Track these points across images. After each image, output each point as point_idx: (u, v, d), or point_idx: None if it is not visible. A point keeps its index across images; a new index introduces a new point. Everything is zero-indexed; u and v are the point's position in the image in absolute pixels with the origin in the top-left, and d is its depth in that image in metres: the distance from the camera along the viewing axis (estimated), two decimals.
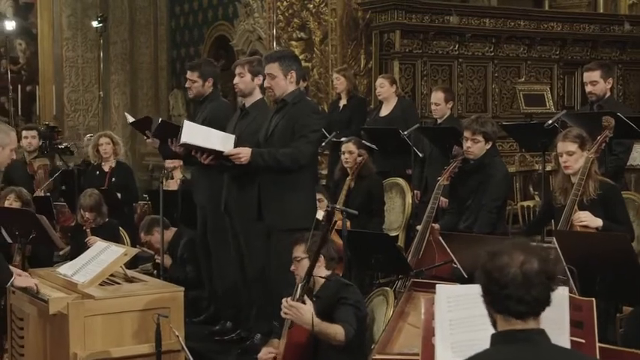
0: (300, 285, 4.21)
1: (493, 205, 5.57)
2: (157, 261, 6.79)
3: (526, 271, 2.43)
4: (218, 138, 5.36)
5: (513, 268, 2.44)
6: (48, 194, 7.93)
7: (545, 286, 2.45)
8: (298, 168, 5.20)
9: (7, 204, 6.60)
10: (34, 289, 4.84)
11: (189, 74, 6.20)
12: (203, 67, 6.20)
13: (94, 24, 13.61)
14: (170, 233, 6.94)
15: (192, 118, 8.71)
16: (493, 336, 2.50)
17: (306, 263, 4.38)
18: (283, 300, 4.15)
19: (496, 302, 2.47)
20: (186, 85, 6.26)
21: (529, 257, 2.45)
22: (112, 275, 5.15)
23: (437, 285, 3.20)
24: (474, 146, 5.61)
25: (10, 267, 4.93)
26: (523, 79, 9.93)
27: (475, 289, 2.56)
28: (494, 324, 2.51)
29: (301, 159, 5.18)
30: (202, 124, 5.82)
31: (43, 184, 7.99)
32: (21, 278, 4.86)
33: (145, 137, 6.10)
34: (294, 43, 9.90)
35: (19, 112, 13.82)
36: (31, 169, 8.02)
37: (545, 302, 2.47)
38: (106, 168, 7.98)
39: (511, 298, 2.43)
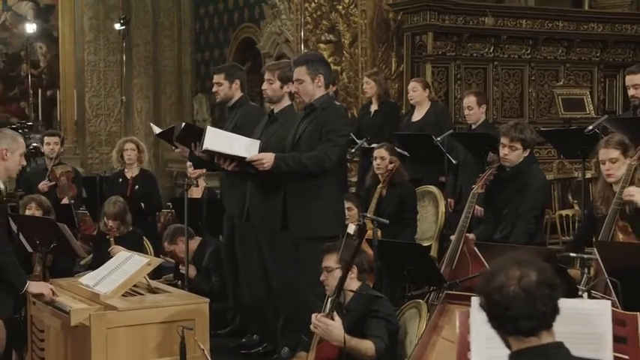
0: (330, 299, 4.21)
1: (531, 214, 5.54)
2: (181, 271, 6.82)
3: (525, 286, 2.40)
4: (242, 144, 5.37)
5: (512, 286, 2.40)
6: (72, 202, 7.98)
7: (549, 297, 2.42)
8: (324, 172, 5.20)
9: (28, 213, 6.67)
10: (50, 295, 4.89)
11: (215, 78, 6.24)
12: (229, 69, 6.25)
13: (117, 26, 13.69)
14: (195, 243, 6.97)
15: (216, 124, 8.75)
16: (510, 356, 2.46)
17: (337, 274, 4.38)
18: (313, 315, 4.15)
19: (504, 325, 2.43)
20: (213, 90, 6.29)
21: (525, 270, 2.42)
22: (135, 286, 5.18)
23: (472, 297, 3.18)
24: (512, 154, 5.59)
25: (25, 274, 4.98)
26: (562, 83, 9.87)
27: None
28: (508, 346, 2.48)
29: (327, 163, 5.18)
30: (233, 129, 5.85)
31: (68, 191, 8.02)
32: (35, 283, 4.91)
33: (174, 148, 6.15)
34: (322, 45, 9.92)
35: (40, 118, 13.94)
36: (53, 177, 8.07)
37: (553, 313, 2.44)
38: (129, 175, 8.01)
39: (518, 318, 2.40)
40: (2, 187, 4.83)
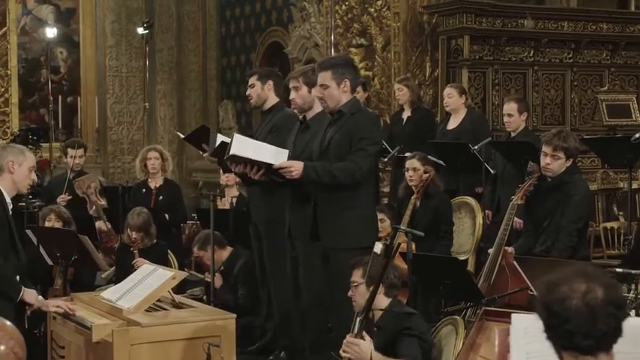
0: (358, 319, 4.22)
1: (573, 227, 5.52)
2: (206, 279, 6.84)
3: (590, 302, 2.36)
4: (270, 152, 5.38)
5: (575, 299, 2.35)
6: (104, 215, 8.03)
7: (613, 317, 2.36)
8: (355, 183, 5.21)
9: (47, 225, 6.73)
10: (65, 310, 4.93)
11: (249, 81, 6.29)
12: (263, 70, 6.32)
13: (139, 31, 13.78)
14: (226, 253, 7.00)
15: (243, 131, 8.79)
16: None
17: (362, 289, 4.39)
18: (344, 341, 4.16)
19: (560, 337, 2.41)
20: (247, 93, 6.33)
21: (592, 286, 2.36)
22: (158, 300, 5.21)
23: (512, 314, 3.17)
24: (554, 163, 5.57)
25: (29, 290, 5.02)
26: (606, 88, 9.81)
27: None
28: None
29: (357, 173, 5.18)
30: (268, 133, 5.88)
31: (98, 209, 8.05)
32: (28, 292, 4.92)
33: (202, 152, 6.18)
34: (353, 50, 9.94)
35: (60, 125, 14.06)
36: (82, 191, 8.07)
37: (615, 334, 2.40)
38: (153, 185, 8.05)
39: (575, 334, 2.35)
40: (9, 201, 4.88)
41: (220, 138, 5.72)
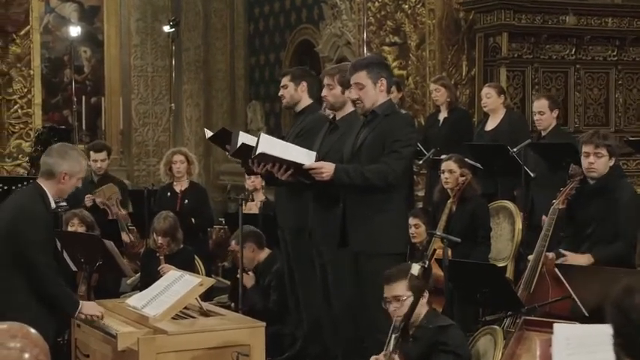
0: (393, 336, 4.21)
1: (632, 234, 5.47)
2: (238, 276, 6.85)
3: None
4: (298, 153, 5.38)
5: None
6: (128, 225, 8.09)
7: None
8: (388, 187, 5.20)
9: (70, 229, 6.78)
10: (100, 317, 4.97)
11: (282, 80, 6.29)
12: (296, 71, 6.29)
13: (165, 29, 13.88)
14: (263, 254, 7.00)
15: (271, 133, 8.80)
16: None
17: (409, 302, 4.38)
18: (372, 358, 4.16)
19: (631, 347, 2.38)
20: (279, 94, 6.33)
21: None
22: (186, 308, 5.23)
23: (554, 324, 3.16)
24: (598, 161, 5.53)
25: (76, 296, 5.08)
26: None
27: (599, 330, 2.50)
28: None
29: (391, 176, 5.17)
30: (296, 136, 5.88)
31: (120, 220, 8.10)
32: (88, 305, 4.99)
33: (228, 153, 6.18)
34: (386, 48, 9.94)
35: (84, 127, 14.18)
36: (102, 201, 8.11)
37: None
38: (178, 189, 8.09)
39: None
40: (54, 205, 4.90)
41: (242, 137, 5.71)
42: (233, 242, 7.09)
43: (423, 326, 4.40)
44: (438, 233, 5.97)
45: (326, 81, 5.76)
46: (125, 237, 8.02)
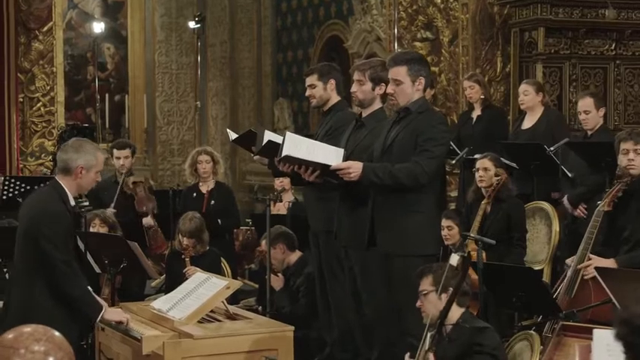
0: (429, 334, 4.20)
1: None
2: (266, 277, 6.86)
3: None
4: (324, 152, 5.36)
5: None
6: (155, 213, 8.12)
7: None
8: (418, 187, 5.18)
9: (92, 230, 6.81)
10: (125, 323, 4.99)
11: (307, 80, 6.22)
12: (322, 68, 6.23)
13: (191, 25, 13.93)
14: (294, 257, 7.01)
15: (299, 132, 8.81)
16: None
17: (433, 298, 4.37)
18: (406, 356, 4.15)
19: None
20: (307, 94, 6.28)
21: None
22: (212, 311, 5.25)
23: (594, 330, 3.14)
24: (638, 158, 5.48)
25: (99, 299, 5.10)
26: None
27: None
28: None
29: (421, 176, 5.15)
30: (324, 135, 5.87)
31: (147, 203, 8.16)
32: (112, 310, 5.01)
33: (253, 154, 6.18)
34: (418, 44, 9.91)
35: (107, 125, 14.27)
36: (129, 189, 8.19)
37: None
38: (204, 189, 8.11)
39: None
40: (73, 203, 4.92)
41: (268, 135, 5.71)
42: (263, 242, 7.09)
43: (460, 325, 4.38)
44: (471, 235, 5.96)
45: (356, 76, 5.73)
46: (149, 220, 8.05)
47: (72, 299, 4.76)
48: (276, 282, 6.87)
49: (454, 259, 4.20)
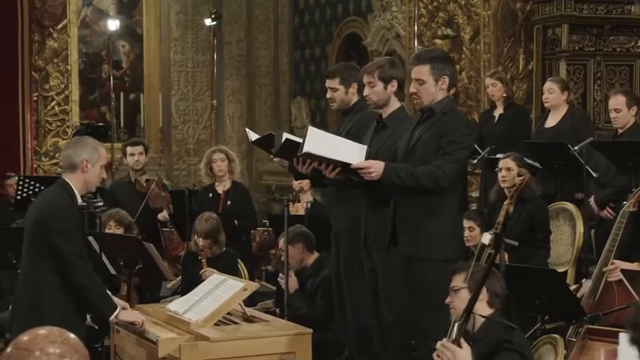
0: (457, 324, 4.18)
1: None
2: (279, 279, 6.85)
3: None
4: (348, 148, 5.35)
5: None
6: (170, 212, 8.14)
7: None
8: (438, 190, 5.16)
9: (107, 232, 6.84)
10: (139, 325, 5.00)
11: (328, 82, 6.19)
12: (343, 71, 6.20)
13: (207, 22, 13.95)
14: (312, 258, 7.00)
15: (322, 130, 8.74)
16: None
17: (464, 295, 4.36)
18: (438, 343, 4.12)
19: None
20: (327, 96, 6.26)
21: None
22: (229, 314, 5.26)
23: (620, 333, 3.12)
24: None
25: (115, 299, 5.12)
26: None
27: None
28: None
29: (442, 180, 5.13)
30: (347, 135, 5.86)
31: (162, 201, 8.17)
32: (127, 312, 5.03)
33: (273, 156, 6.18)
34: (438, 41, 9.90)
35: (122, 124, 14.30)
36: (142, 188, 8.24)
37: None
38: (220, 190, 8.10)
39: None
40: (80, 200, 4.97)
41: (286, 136, 5.70)
42: (281, 240, 7.09)
43: (487, 326, 4.35)
44: None
45: (366, 79, 5.71)
46: (165, 215, 8.07)
47: (82, 291, 4.78)
48: (291, 283, 6.87)
49: (486, 237, 4.17)
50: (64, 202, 4.83)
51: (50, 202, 4.89)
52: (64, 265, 4.73)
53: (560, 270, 6.70)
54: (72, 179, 4.88)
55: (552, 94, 7.87)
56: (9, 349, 2.35)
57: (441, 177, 5.12)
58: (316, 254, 7.03)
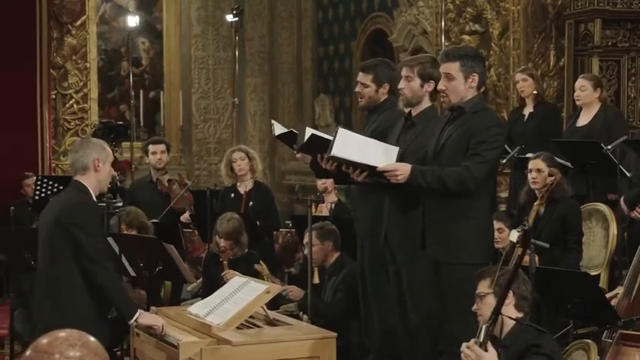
0: (484, 327, 4.17)
1: None
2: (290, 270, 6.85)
3: None
4: (377, 150, 5.34)
5: None
6: (192, 212, 8.16)
7: None
8: (465, 192, 5.15)
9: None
10: (159, 329, 5.02)
11: (360, 76, 6.15)
12: (379, 69, 6.13)
13: (228, 18, 13.98)
14: (334, 257, 7.01)
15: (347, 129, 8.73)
16: None
17: (490, 301, 4.34)
18: (463, 344, 4.11)
19: None
20: (356, 90, 6.22)
21: None
22: (251, 317, 5.26)
23: None
24: None
25: (135, 303, 5.15)
26: None
27: None
28: None
29: (470, 182, 5.11)
30: (372, 135, 5.85)
31: (184, 201, 8.19)
32: (146, 315, 5.05)
33: (296, 152, 6.17)
34: (466, 37, 9.88)
35: (141, 123, 14.35)
36: (164, 188, 8.26)
37: None
38: (242, 190, 8.10)
39: None
40: (95, 199, 5.04)
41: (311, 131, 5.69)
42: (308, 233, 7.10)
43: (515, 332, 4.34)
44: None
45: (404, 72, 5.69)
46: (186, 216, 8.09)
47: (102, 291, 4.84)
48: (295, 293, 6.89)
49: (514, 235, 4.14)
50: (84, 199, 4.94)
51: (70, 200, 4.97)
52: (83, 260, 4.79)
53: (593, 273, 6.67)
54: (85, 180, 4.99)
55: (584, 91, 7.83)
56: (28, 352, 2.37)
57: (469, 179, 5.10)
58: (337, 253, 7.05)
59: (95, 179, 5.00)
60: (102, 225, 5.11)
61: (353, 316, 6.59)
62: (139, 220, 7.07)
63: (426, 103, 5.70)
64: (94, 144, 5.11)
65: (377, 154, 5.29)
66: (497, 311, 4.10)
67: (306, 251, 7.17)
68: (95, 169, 4.98)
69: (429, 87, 5.62)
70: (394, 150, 5.38)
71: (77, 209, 4.90)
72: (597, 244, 7.04)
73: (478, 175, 5.13)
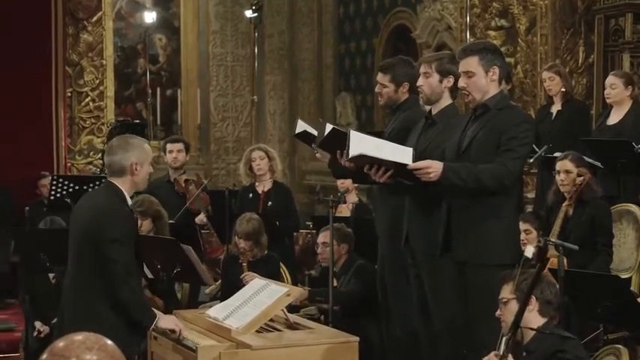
0: (504, 338, 4.16)
1: None
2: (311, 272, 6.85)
3: None
4: (392, 151, 5.32)
5: None
6: (209, 214, 8.17)
7: None
8: (501, 189, 5.13)
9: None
10: (177, 333, 5.03)
11: (379, 77, 6.18)
12: (397, 68, 6.15)
13: (247, 14, 13.99)
14: (344, 258, 7.05)
15: (363, 128, 8.77)
16: None
17: (513, 307, 4.34)
18: (485, 358, 4.11)
19: None
20: (376, 90, 6.26)
21: None
22: (271, 320, 5.27)
23: None
24: None
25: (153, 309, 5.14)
26: None
27: None
28: None
29: (507, 177, 5.10)
30: (389, 135, 5.84)
31: (200, 202, 8.20)
32: (164, 319, 5.05)
33: (315, 150, 6.18)
34: (492, 33, 9.87)
35: (158, 121, 14.37)
36: (180, 188, 8.28)
37: None
38: (261, 190, 8.10)
39: None
40: (130, 202, 4.99)
41: (331, 127, 5.69)
42: (321, 235, 7.11)
43: (539, 336, 4.33)
44: (552, 240, 5.87)
45: (422, 69, 5.70)
46: (202, 218, 8.10)
47: (123, 304, 4.82)
48: (301, 295, 6.91)
49: (529, 250, 4.14)
50: (118, 207, 4.86)
51: (101, 207, 4.89)
52: (106, 272, 4.76)
53: (624, 276, 6.64)
54: (120, 182, 4.92)
55: (615, 89, 7.80)
56: (44, 356, 2.37)
57: (505, 175, 5.08)
58: (347, 256, 7.08)
59: (131, 182, 4.93)
60: (133, 234, 5.04)
61: (371, 313, 6.59)
62: (153, 209, 7.00)
63: (447, 101, 5.70)
64: (134, 146, 4.96)
65: (394, 154, 5.25)
66: (516, 324, 4.09)
67: (319, 250, 7.21)
68: (132, 172, 4.89)
69: (448, 82, 5.61)
70: (409, 151, 5.34)
71: (110, 221, 4.80)
72: (628, 246, 7.01)
73: (514, 171, 5.12)
